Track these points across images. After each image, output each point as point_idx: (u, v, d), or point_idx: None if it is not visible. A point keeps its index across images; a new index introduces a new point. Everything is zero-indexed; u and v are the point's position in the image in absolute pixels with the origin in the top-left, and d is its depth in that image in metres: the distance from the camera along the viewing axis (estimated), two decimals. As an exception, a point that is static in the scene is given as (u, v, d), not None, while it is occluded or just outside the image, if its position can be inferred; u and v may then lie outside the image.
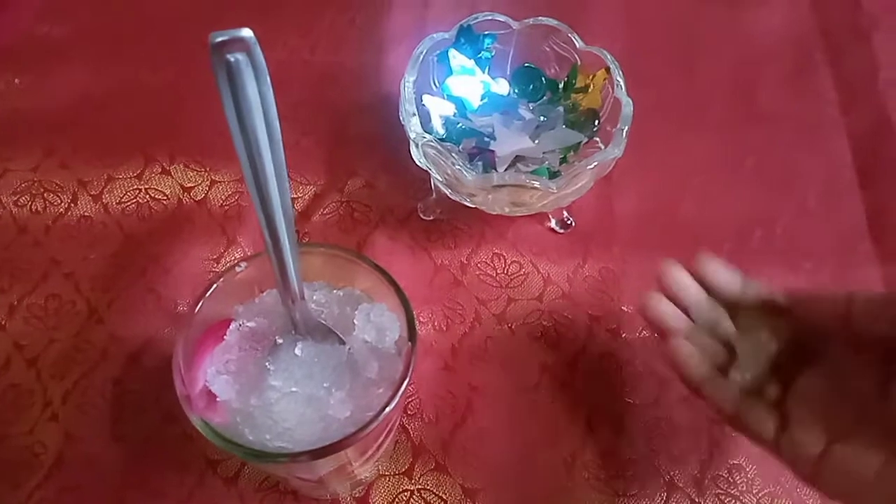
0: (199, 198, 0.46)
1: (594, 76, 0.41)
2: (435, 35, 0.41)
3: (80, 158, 0.46)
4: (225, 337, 0.29)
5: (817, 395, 0.29)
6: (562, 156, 0.41)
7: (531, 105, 0.43)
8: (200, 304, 0.28)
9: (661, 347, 0.32)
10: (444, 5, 0.54)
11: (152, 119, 0.48)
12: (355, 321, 0.29)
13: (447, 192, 0.41)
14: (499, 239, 0.45)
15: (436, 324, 0.42)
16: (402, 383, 0.27)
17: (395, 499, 0.37)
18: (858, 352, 0.28)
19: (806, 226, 0.47)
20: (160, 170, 0.46)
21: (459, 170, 0.37)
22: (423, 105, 0.42)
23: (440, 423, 0.39)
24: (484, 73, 0.43)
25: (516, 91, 0.44)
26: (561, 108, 0.42)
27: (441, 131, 0.42)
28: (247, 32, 0.20)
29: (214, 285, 0.29)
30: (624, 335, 0.42)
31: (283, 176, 0.24)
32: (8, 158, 0.46)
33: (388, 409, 0.26)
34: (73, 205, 0.45)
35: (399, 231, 0.45)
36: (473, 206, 0.41)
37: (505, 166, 0.41)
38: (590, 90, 0.42)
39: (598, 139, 0.41)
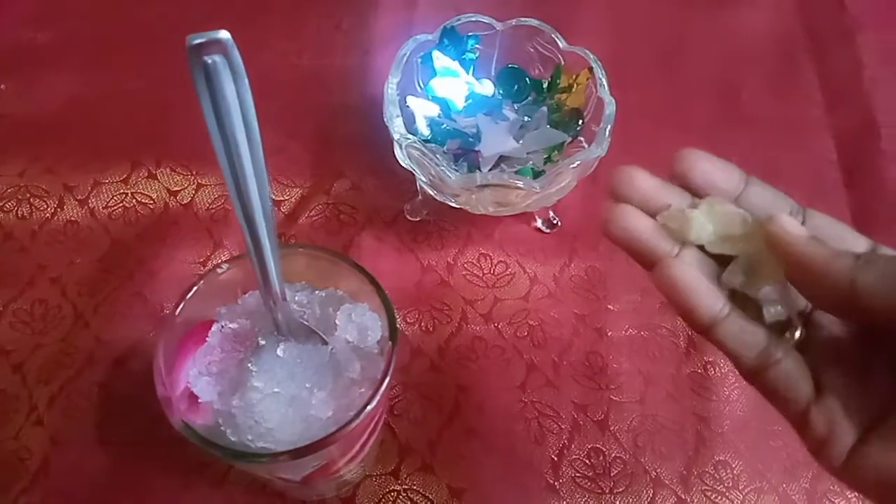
0: (185, 201, 0.46)
1: (577, 76, 0.42)
2: (419, 37, 0.42)
3: (67, 163, 0.46)
4: (207, 339, 0.29)
5: (851, 362, 0.23)
6: (546, 155, 0.42)
7: (515, 105, 0.43)
8: (181, 305, 0.28)
9: (652, 278, 0.23)
10: (430, 7, 0.54)
11: (138, 124, 0.49)
12: (337, 321, 0.30)
13: (432, 192, 0.41)
14: (485, 239, 0.45)
15: (423, 324, 0.42)
16: (382, 382, 0.27)
17: (381, 499, 0.37)
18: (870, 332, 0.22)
19: (791, 224, 0.47)
20: (146, 174, 0.46)
21: (443, 170, 0.37)
22: (408, 106, 0.42)
23: (427, 423, 0.39)
24: (468, 74, 0.44)
25: (501, 92, 0.44)
26: (545, 108, 0.42)
27: (426, 132, 0.42)
28: (224, 34, 0.20)
29: (195, 287, 0.29)
30: (610, 333, 0.42)
31: (263, 177, 0.24)
32: (-6, 164, 0.46)
33: (368, 408, 0.26)
34: (59, 210, 0.45)
35: (386, 232, 0.45)
36: (458, 206, 0.41)
37: (489, 166, 0.41)
38: (573, 90, 0.42)
39: (582, 139, 0.41)
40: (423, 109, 0.42)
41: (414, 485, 0.37)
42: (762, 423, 0.40)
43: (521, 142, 0.41)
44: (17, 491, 0.36)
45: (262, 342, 0.29)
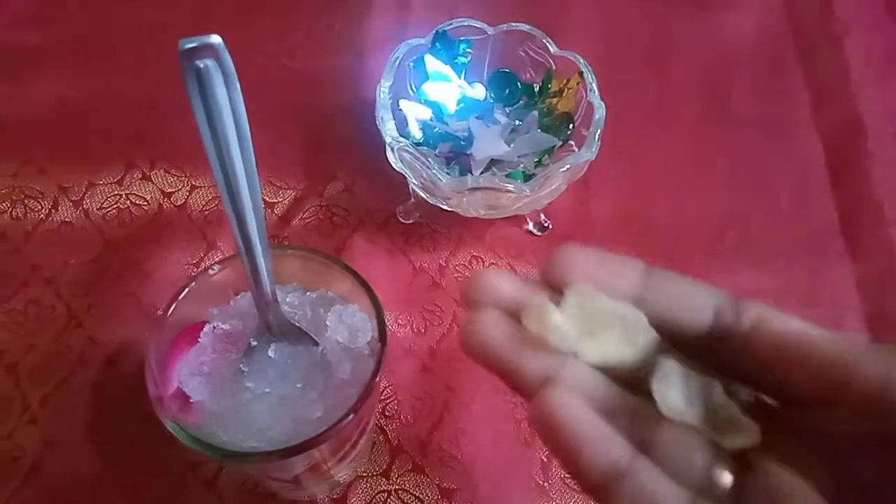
0: (179, 203, 0.46)
1: (568, 80, 0.42)
2: (411, 41, 0.42)
3: (61, 165, 0.47)
4: (199, 339, 0.30)
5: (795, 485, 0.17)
6: (537, 159, 0.42)
7: (507, 109, 0.44)
8: (173, 306, 0.29)
9: (534, 418, 0.17)
10: (424, 10, 0.55)
11: (132, 125, 0.49)
12: (328, 323, 0.30)
13: (424, 195, 0.41)
14: (477, 242, 0.46)
15: (414, 326, 0.42)
16: (372, 383, 0.27)
17: (372, 499, 0.37)
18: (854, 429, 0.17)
19: (779, 225, 0.48)
20: (141, 175, 0.47)
21: (435, 173, 0.37)
22: (400, 110, 0.42)
23: (418, 424, 0.39)
24: (460, 77, 0.44)
25: (492, 96, 0.44)
26: (536, 113, 0.43)
27: (418, 136, 0.43)
28: (215, 39, 0.20)
29: (187, 288, 0.29)
30: (600, 335, 0.43)
31: (255, 179, 0.24)
32: (-13, 165, 0.46)
33: (358, 409, 0.26)
34: (53, 211, 0.45)
35: (378, 235, 0.45)
36: (450, 209, 0.41)
37: (481, 170, 0.41)
38: (564, 94, 0.43)
39: (572, 142, 0.42)
40: (415, 113, 0.42)
41: (405, 485, 0.38)
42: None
43: (512, 145, 0.42)
44: (9, 490, 0.36)
45: (254, 343, 0.30)
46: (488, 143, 0.42)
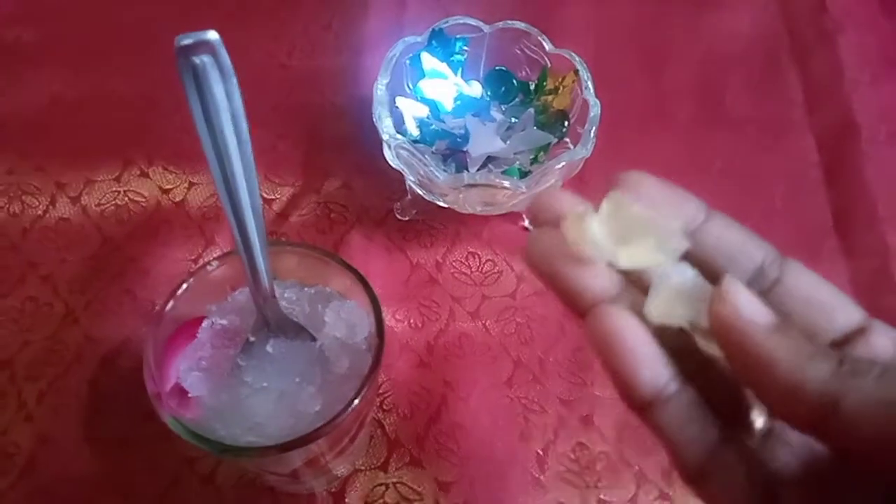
0: (177, 199, 0.46)
1: (563, 78, 0.42)
2: (408, 38, 0.42)
3: (58, 161, 0.47)
4: (197, 335, 0.30)
5: (819, 486, 0.18)
6: (533, 156, 0.42)
7: (503, 107, 0.44)
8: (171, 302, 0.29)
9: (588, 329, 0.18)
10: (420, 8, 0.55)
11: (130, 122, 0.49)
12: (326, 318, 0.30)
13: (421, 192, 0.41)
14: (473, 238, 0.46)
15: (411, 321, 0.43)
16: (369, 377, 0.27)
17: (370, 492, 0.37)
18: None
19: (773, 224, 0.48)
20: (139, 172, 0.47)
21: (432, 170, 0.38)
22: (397, 107, 0.42)
23: (415, 418, 0.40)
24: (456, 75, 0.44)
25: (488, 93, 0.45)
26: (532, 110, 0.43)
27: (415, 133, 0.43)
28: (212, 35, 0.21)
29: (185, 284, 0.29)
30: (595, 331, 0.43)
31: (252, 176, 0.24)
32: (-17, 162, 0.46)
33: (355, 403, 0.27)
34: (51, 207, 0.45)
35: (375, 231, 0.46)
36: (447, 205, 0.41)
37: (477, 167, 0.41)
38: (559, 92, 0.43)
39: (567, 140, 0.42)
40: (412, 110, 0.43)
41: (402, 478, 0.38)
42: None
43: (508, 143, 0.42)
44: (4, 486, 0.36)
45: (252, 338, 0.30)
46: (484, 141, 0.42)
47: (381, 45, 0.43)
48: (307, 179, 0.47)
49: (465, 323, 0.43)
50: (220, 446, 0.26)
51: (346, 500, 0.37)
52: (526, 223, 0.46)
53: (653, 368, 0.17)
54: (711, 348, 0.18)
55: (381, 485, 0.38)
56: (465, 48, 0.44)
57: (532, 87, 0.44)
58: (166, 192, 0.46)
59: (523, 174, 0.41)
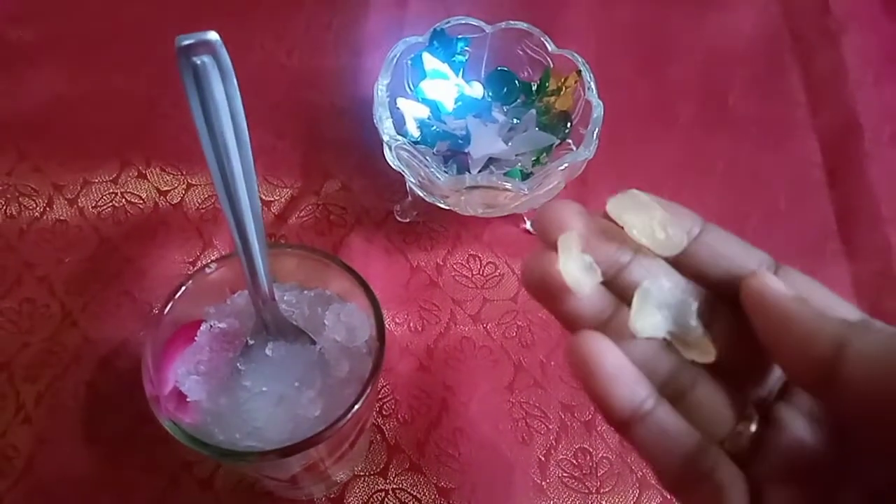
0: (175, 201, 0.46)
1: (566, 79, 0.42)
2: (409, 39, 0.42)
3: (56, 162, 0.46)
4: (196, 338, 0.30)
5: (811, 481, 0.18)
6: (535, 158, 0.42)
7: (505, 108, 0.44)
8: (169, 305, 0.28)
9: (568, 355, 0.19)
10: (421, 8, 0.54)
11: (127, 123, 0.48)
12: (326, 321, 0.30)
13: (421, 193, 0.41)
14: (474, 241, 0.46)
15: (411, 325, 0.42)
16: (370, 381, 0.27)
17: (370, 499, 0.37)
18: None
19: (776, 225, 0.48)
20: (136, 174, 0.46)
21: (432, 172, 0.37)
22: (398, 108, 0.42)
23: (415, 423, 0.39)
24: (458, 76, 0.44)
25: (490, 94, 0.44)
26: (534, 111, 0.43)
27: (415, 134, 0.42)
28: (212, 35, 0.20)
29: (184, 286, 0.29)
30: (597, 334, 0.42)
31: (252, 177, 0.24)
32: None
33: (356, 407, 0.26)
34: (48, 208, 0.45)
35: (375, 233, 0.45)
36: (448, 207, 0.41)
37: (478, 168, 0.41)
38: (562, 93, 0.42)
39: (570, 141, 0.42)
40: (412, 111, 0.42)
41: (402, 484, 0.37)
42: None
43: (509, 144, 0.42)
44: (3, 488, 0.36)
45: (251, 342, 0.29)
46: (486, 142, 0.41)
47: (381, 46, 0.42)
48: (307, 181, 0.47)
49: (465, 326, 0.42)
50: (218, 451, 0.26)
51: (346, 505, 0.37)
52: (528, 225, 0.46)
53: (628, 389, 0.18)
54: (694, 355, 0.19)
55: (380, 491, 0.37)
56: (467, 48, 0.44)
57: (534, 87, 0.44)
58: (164, 193, 0.46)
59: (525, 176, 0.40)
